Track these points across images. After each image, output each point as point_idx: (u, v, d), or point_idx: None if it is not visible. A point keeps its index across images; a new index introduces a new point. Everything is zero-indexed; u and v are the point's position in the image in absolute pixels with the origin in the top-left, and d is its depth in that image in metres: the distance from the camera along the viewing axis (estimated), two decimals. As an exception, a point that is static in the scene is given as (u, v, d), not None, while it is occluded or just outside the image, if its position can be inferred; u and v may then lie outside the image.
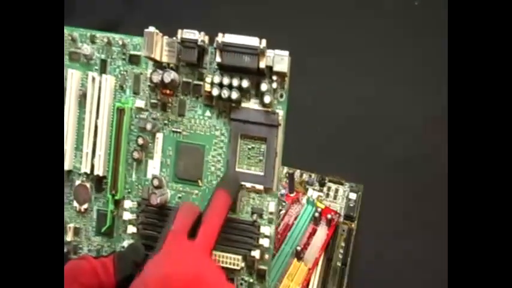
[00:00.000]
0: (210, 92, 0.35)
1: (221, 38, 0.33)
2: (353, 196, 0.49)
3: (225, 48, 0.33)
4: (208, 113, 0.36)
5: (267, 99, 0.34)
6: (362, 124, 0.57)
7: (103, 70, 0.38)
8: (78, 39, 0.38)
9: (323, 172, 0.51)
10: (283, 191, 0.48)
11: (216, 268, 0.32)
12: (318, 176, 0.51)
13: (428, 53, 0.61)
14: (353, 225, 0.48)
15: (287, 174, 0.49)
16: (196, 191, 0.36)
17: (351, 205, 0.48)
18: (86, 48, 0.37)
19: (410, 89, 0.60)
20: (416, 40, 0.62)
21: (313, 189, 0.50)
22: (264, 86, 0.34)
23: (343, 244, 0.46)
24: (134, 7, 0.68)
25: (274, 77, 0.35)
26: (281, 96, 0.35)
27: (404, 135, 0.56)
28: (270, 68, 0.34)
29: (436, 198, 0.49)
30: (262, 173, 0.35)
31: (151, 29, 0.34)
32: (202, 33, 0.35)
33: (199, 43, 0.34)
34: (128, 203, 0.37)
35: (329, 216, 0.45)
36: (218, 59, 0.34)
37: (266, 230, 0.35)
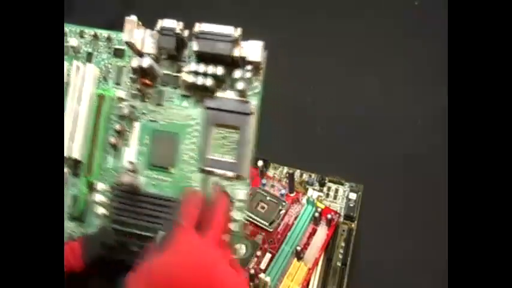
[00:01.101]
0: (187, 82, 0.35)
1: (198, 27, 0.34)
2: (353, 196, 0.49)
3: (200, 35, 0.34)
4: (185, 103, 0.37)
5: (239, 85, 0.35)
6: (362, 124, 0.57)
7: (89, 61, 0.39)
8: (68, 35, 0.39)
9: (323, 172, 0.51)
10: (283, 191, 0.48)
11: (229, 269, 0.31)
12: (318, 176, 0.51)
13: (428, 53, 0.61)
14: (353, 225, 0.48)
15: (287, 174, 0.49)
16: (170, 179, 0.36)
17: (351, 205, 0.48)
18: (73, 40, 0.39)
19: (410, 89, 0.60)
20: (416, 40, 0.62)
21: (313, 189, 0.50)
22: (237, 73, 0.35)
23: (343, 244, 0.46)
24: (134, 7, 0.68)
25: (249, 67, 0.35)
26: (255, 86, 0.36)
27: (404, 135, 0.56)
28: (245, 59, 0.35)
29: (436, 198, 0.49)
30: (234, 161, 0.35)
31: (133, 17, 0.36)
32: (180, 23, 0.36)
33: (177, 31, 0.35)
34: (101, 185, 0.37)
35: (329, 216, 0.45)
36: (195, 47, 0.34)
37: (235, 214, 0.35)
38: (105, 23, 0.66)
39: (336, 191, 0.50)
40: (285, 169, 0.52)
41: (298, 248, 0.43)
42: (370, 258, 0.47)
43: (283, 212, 0.46)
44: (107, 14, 0.67)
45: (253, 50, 0.35)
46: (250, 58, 0.35)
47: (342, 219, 0.48)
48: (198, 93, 0.36)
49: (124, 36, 0.35)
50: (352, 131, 0.57)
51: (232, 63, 0.35)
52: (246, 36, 0.69)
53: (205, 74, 0.35)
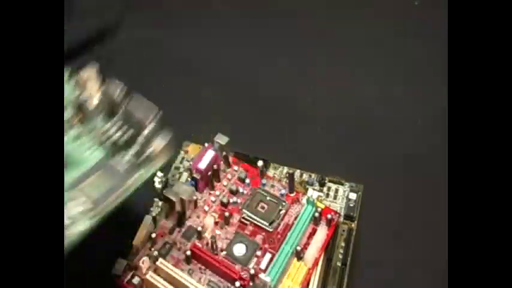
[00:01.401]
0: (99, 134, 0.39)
1: (132, 95, 0.38)
2: (353, 196, 0.49)
3: (129, 102, 0.38)
4: (91, 150, 0.39)
5: (133, 149, 0.37)
6: (362, 124, 0.57)
7: None
8: None
9: (323, 172, 0.51)
10: (283, 191, 0.48)
11: None
12: (318, 176, 0.51)
13: (428, 53, 0.61)
14: (353, 225, 0.48)
15: (287, 174, 0.49)
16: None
17: (351, 205, 0.48)
18: None
19: (410, 89, 0.60)
20: (416, 40, 0.62)
21: (313, 189, 0.50)
22: (135, 148, 0.37)
23: (343, 244, 0.46)
24: (135, 8, 0.68)
25: (151, 148, 0.37)
26: (149, 165, 0.38)
27: (404, 135, 0.56)
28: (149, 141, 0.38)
29: (436, 198, 0.49)
30: (98, 197, 0.36)
31: (96, 66, 0.39)
32: (125, 87, 0.39)
33: (117, 94, 0.38)
34: None
35: (329, 216, 0.45)
36: (121, 110, 0.38)
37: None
38: (105, 23, 0.66)
39: (336, 191, 0.50)
40: (285, 169, 0.52)
41: (298, 248, 0.43)
42: (370, 258, 0.47)
43: (283, 212, 0.46)
44: (107, 15, 0.67)
45: (160, 138, 0.38)
46: (154, 144, 0.37)
47: (342, 219, 0.48)
48: (108, 146, 0.39)
49: (81, 73, 0.38)
50: (352, 131, 0.57)
51: (141, 136, 0.38)
52: (246, 37, 0.69)
53: (115, 134, 0.38)
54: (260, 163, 0.48)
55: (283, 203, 0.46)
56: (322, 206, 0.46)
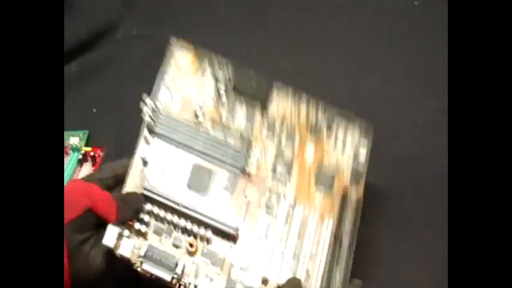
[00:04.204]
0: None
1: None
2: (363, 151, 0.48)
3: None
4: None
5: None
6: (362, 124, 0.57)
7: None
8: None
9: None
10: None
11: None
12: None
13: (428, 53, 0.61)
14: (361, 190, 0.47)
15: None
16: None
17: (361, 161, 0.48)
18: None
19: (410, 89, 0.60)
20: (416, 40, 0.62)
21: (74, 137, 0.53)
22: None
23: (350, 216, 0.45)
24: (134, 7, 0.68)
25: None
26: None
27: (404, 135, 0.56)
28: None
29: (436, 198, 0.49)
30: None
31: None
32: None
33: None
34: None
35: (92, 153, 0.50)
36: None
37: None
38: (105, 23, 0.66)
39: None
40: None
41: None
42: (371, 258, 0.47)
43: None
44: (107, 14, 0.67)
45: None
46: None
47: (350, 179, 0.46)
48: None
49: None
50: (352, 131, 0.56)
51: None
52: (246, 37, 0.68)
53: None
54: None
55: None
56: (89, 149, 0.50)
